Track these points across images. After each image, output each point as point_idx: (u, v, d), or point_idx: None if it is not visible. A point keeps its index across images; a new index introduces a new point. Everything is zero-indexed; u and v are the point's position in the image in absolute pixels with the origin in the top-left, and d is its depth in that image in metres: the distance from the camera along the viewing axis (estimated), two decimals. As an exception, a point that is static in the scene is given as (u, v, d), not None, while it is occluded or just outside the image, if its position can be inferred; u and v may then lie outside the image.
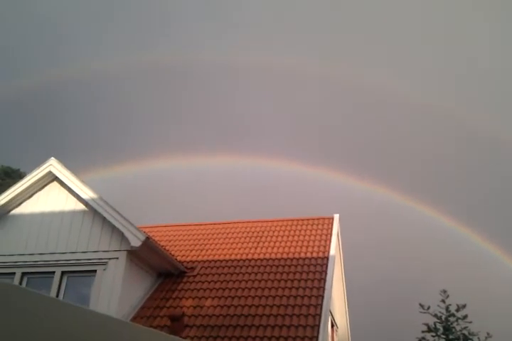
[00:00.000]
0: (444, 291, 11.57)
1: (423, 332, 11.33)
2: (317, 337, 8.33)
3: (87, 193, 9.74)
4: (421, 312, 11.51)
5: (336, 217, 13.67)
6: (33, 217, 9.99)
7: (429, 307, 11.44)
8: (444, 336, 11.19)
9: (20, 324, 0.92)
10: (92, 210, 9.73)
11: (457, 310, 11.26)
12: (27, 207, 10.17)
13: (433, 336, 11.27)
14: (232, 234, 13.44)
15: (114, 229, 9.43)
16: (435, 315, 11.35)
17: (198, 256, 12.07)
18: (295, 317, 9.01)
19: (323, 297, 9.62)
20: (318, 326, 8.65)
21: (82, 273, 9.25)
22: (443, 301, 11.43)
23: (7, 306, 0.93)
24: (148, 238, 9.31)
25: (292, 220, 13.99)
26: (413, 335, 11.52)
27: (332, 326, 12.24)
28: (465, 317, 11.14)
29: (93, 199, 9.65)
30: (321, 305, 9.31)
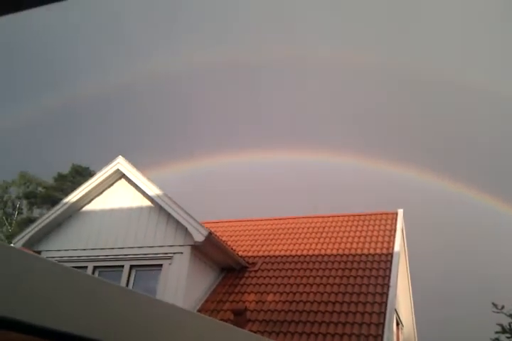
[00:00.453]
0: None
1: (497, 332, 10.73)
2: (382, 336, 8.15)
3: (152, 190, 10.10)
4: (494, 311, 10.90)
5: (400, 212, 13.27)
6: (103, 213, 10.52)
7: (503, 307, 10.81)
8: (519, 338, 10.54)
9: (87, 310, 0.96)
10: (157, 206, 10.09)
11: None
12: (97, 204, 10.73)
13: (508, 337, 10.64)
14: (294, 229, 13.42)
15: (178, 224, 9.73)
16: (510, 315, 10.71)
17: (259, 252, 12.17)
18: (359, 315, 8.87)
19: (387, 294, 9.39)
20: (383, 324, 8.47)
21: (149, 267, 9.63)
22: (518, 300, 10.75)
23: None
24: (210, 233, 9.52)
25: (355, 216, 13.74)
26: (485, 335, 10.95)
27: (397, 324, 11.93)
28: (543, 318, 10.43)
29: (158, 196, 10.00)
30: (386, 302, 9.09)
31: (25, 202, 34.28)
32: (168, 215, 9.88)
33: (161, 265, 9.48)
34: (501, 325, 10.74)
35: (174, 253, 9.52)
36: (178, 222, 9.70)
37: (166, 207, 9.81)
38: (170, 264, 9.40)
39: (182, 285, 9.09)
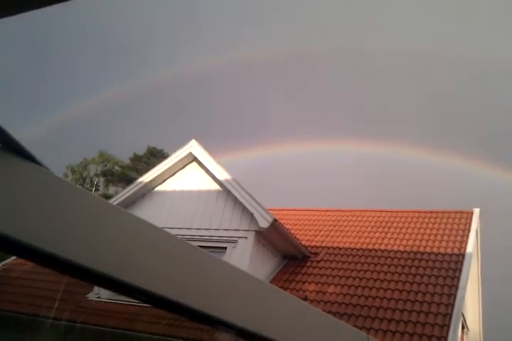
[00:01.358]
0: None
1: None
2: (446, 338, 7.84)
3: (222, 174, 10.31)
4: None
5: (476, 211, 12.56)
6: (174, 194, 10.91)
7: None
8: None
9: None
10: (225, 190, 10.29)
11: None
12: (169, 185, 11.14)
13: None
14: (360, 222, 13.15)
15: (244, 209, 9.87)
16: None
17: (322, 242, 12.07)
18: (423, 314, 8.57)
19: (455, 296, 8.98)
20: (448, 326, 8.13)
21: (214, 249, 9.87)
22: None
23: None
24: (275, 220, 9.57)
25: (426, 212, 13.18)
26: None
27: (462, 328, 11.38)
28: None
29: (227, 180, 10.19)
30: (453, 304, 8.70)
31: (102, 179, 36.39)
32: (235, 200, 10.04)
33: (225, 248, 9.69)
34: None
35: (239, 237, 9.69)
36: (244, 207, 9.84)
37: (234, 192, 9.98)
38: (234, 248, 9.58)
39: (244, 269, 9.24)
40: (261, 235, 9.79)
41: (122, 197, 10.97)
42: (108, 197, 25.32)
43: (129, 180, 25.35)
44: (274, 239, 10.19)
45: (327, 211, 14.22)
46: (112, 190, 35.40)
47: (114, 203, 10.86)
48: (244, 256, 9.38)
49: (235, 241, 9.68)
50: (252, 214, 9.65)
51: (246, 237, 9.63)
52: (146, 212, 10.83)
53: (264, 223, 9.43)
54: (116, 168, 36.79)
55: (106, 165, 37.09)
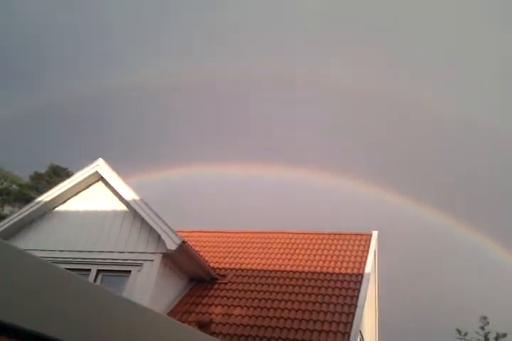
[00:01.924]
0: (484, 318, 11.01)
1: (459, 358, 10.82)
2: (345, 356, 8.16)
3: (129, 194, 10.01)
4: (458, 338, 11.00)
5: (375, 234, 13.40)
6: (76, 214, 10.36)
7: (466, 334, 10.92)
8: (481, 366, 10.64)
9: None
10: (132, 211, 9.99)
11: (496, 339, 10.68)
12: (72, 205, 10.57)
13: (469, 364, 10.74)
14: (268, 243, 13.41)
15: (151, 231, 9.64)
16: (472, 343, 10.82)
17: (230, 264, 12.11)
18: (324, 333, 8.87)
19: (354, 315, 9.42)
20: (347, 344, 8.47)
21: (117, 273, 9.48)
22: (482, 328, 10.88)
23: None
24: (184, 242, 9.45)
25: (330, 234, 13.81)
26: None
27: (361, 345, 11.93)
28: (504, 347, 10.56)
29: (134, 201, 9.91)
30: (352, 323, 9.11)
31: (-3, 198, 33.53)
32: (142, 221, 9.79)
33: (129, 271, 9.34)
34: (463, 352, 10.84)
35: (144, 260, 9.41)
36: (151, 229, 9.61)
37: (141, 213, 9.73)
38: (138, 271, 9.27)
39: (148, 294, 8.96)
40: (168, 257, 9.59)
41: (18, 217, 10.20)
42: (2, 217, 23.33)
43: (27, 200, 23.61)
44: (182, 261, 10.03)
45: (236, 233, 14.34)
46: (7, 210, 32.69)
47: (10, 223, 10.07)
48: (149, 280, 9.11)
49: (140, 265, 9.37)
50: (159, 235, 9.45)
51: (152, 260, 9.37)
52: (45, 234, 10.16)
53: (171, 245, 9.27)
54: (14, 186, 34.14)
55: (2, 184, 34.28)
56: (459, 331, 11.03)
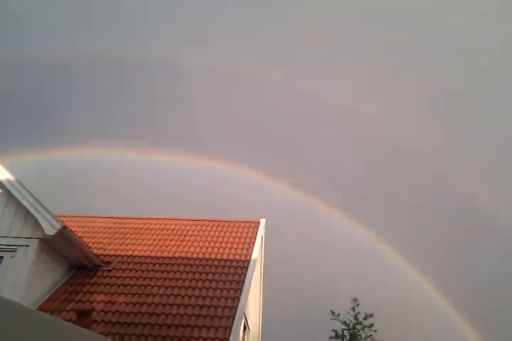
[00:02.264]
0: (355, 300, 12.05)
1: (331, 338, 11.71)
2: (228, 339, 8.33)
3: (3, 174, 9.11)
4: (332, 318, 11.89)
5: (263, 221, 13.83)
6: None
7: (339, 315, 11.85)
8: (350, 343, 11.63)
9: None
10: (6, 193, 9.11)
11: (365, 319, 11.75)
12: None
13: (340, 343, 11.68)
14: (156, 230, 13.16)
15: (28, 214, 8.90)
16: (344, 322, 11.77)
17: (116, 250, 11.67)
18: (209, 318, 8.97)
19: (239, 299, 9.65)
20: (231, 328, 8.66)
21: (-13, 259, 8.63)
22: (353, 309, 11.88)
23: None
24: (64, 227, 8.88)
25: (219, 221, 13.96)
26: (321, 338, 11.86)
27: (244, 329, 12.30)
28: (371, 325, 11.66)
29: (9, 181, 9.05)
30: (236, 307, 9.34)
31: None
32: (18, 204, 8.98)
33: (1, 257, 8.55)
34: (335, 331, 11.76)
35: (19, 245, 8.67)
36: (28, 212, 8.87)
37: (16, 194, 8.92)
38: (12, 257, 8.53)
39: (22, 281, 8.29)
40: (46, 243, 8.94)
41: None
42: None
43: None
44: (62, 247, 9.42)
45: (123, 218, 13.84)
46: None
47: None
48: (24, 267, 8.42)
49: (13, 250, 8.62)
50: (36, 220, 8.76)
51: (27, 245, 8.67)
52: None
53: (50, 230, 8.65)
54: None
55: None
56: (332, 312, 11.94)
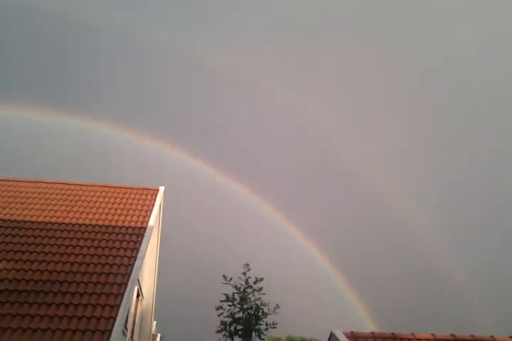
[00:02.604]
0: (247, 265, 12.50)
1: (221, 301, 12.10)
2: (119, 306, 8.26)
3: None
4: (223, 283, 12.26)
5: (161, 189, 13.62)
6: None
7: (231, 279, 12.25)
8: (239, 305, 12.12)
9: None
10: None
11: (255, 283, 12.28)
12: None
13: (229, 305, 12.12)
14: (45, 194, 12.39)
15: None
16: (235, 286, 12.20)
17: (-2, 215, 10.83)
18: (100, 285, 8.79)
19: (132, 266, 9.56)
20: (122, 295, 8.59)
21: None
22: (244, 274, 12.34)
23: None
24: None
25: (115, 187, 13.48)
26: (214, 305, 12.21)
27: (138, 296, 12.28)
28: (260, 289, 12.22)
29: None
30: (129, 274, 9.24)
31: None
32: None
33: None
34: (226, 295, 12.19)
35: None
36: None
37: None
38: None
39: None
40: None
41: None
42: None
43: None
44: None
45: (7, 181, 12.80)
46: None
47: None
48: None
49: None
50: None
51: None
52: None
53: None
54: None
55: None
56: (225, 277, 12.32)
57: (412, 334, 7.44)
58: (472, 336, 7.48)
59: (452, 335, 7.46)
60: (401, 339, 7.30)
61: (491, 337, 7.57)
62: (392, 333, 7.50)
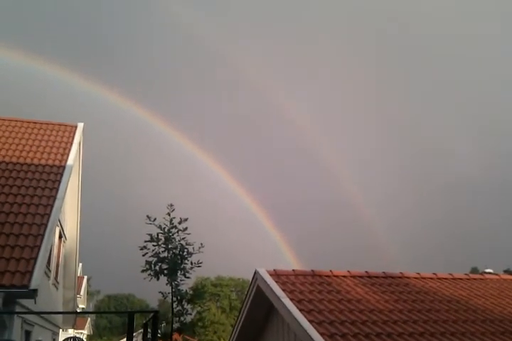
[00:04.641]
0: (171, 205, 12.50)
1: (146, 241, 12.13)
2: (39, 247, 7.95)
3: None
4: (147, 223, 12.23)
5: (80, 125, 12.78)
6: None
7: (155, 219, 12.23)
8: (164, 245, 12.24)
9: None
10: None
11: (179, 223, 12.39)
12: None
13: (154, 245, 12.20)
14: None
15: None
16: (159, 227, 12.23)
17: None
18: (17, 226, 8.35)
19: (52, 206, 9.13)
20: (43, 236, 8.25)
21: None
22: (168, 214, 12.36)
23: None
24: None
25: (29, 122, 12.44)
26: (139, 245, 12.21)
27: (60, 237, 11.89)
28: (185, 229, 12.37)
29: None
30: (49, 214, 8.84)
31: None
32: None
33: None
34: (150, 235, 12.23)
35: None
36: None
37: None
38: None
39: None
40: None
41: None
42: None
43: None
44: None
45: None
46: None
47: None
48: None
49: None
50: None
51: None
52: None
53: None
54: None
55: None
56: (148, 217, 12.28)
57: (331, 271, 8.03)
58: (384, 273, 8.25)
59: (366, 272, 8.16)
60: (320, 275, 7.86)
61: (401, 273, 8.41)
62: (312, 270, 8.03)
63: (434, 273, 8.69)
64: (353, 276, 8.00)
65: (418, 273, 8.53)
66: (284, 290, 6.99)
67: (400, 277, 8.28)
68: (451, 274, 8.82)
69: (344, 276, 8.00)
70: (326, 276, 7.95)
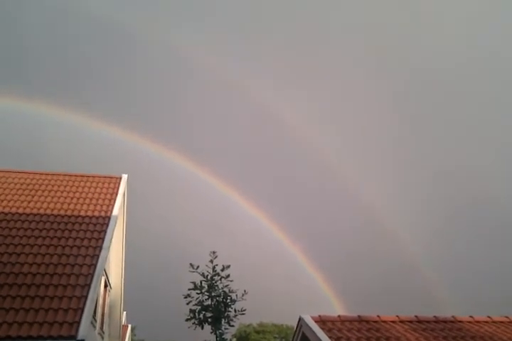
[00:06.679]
0: (214, 252, 12.55)
1: (189, 289, 12.12)
2: (86, 297, 8.13)
3: None
4: (190, 271, 12.26)
5: (124, 177, 13.37)
6: None
7: (198, 267, 12.27)
8: (207, 293, 12.19)
9: None
10: None
11: (222, 270, 12.36)
12: None
13: (198, 293, 12.17)
14: (3, 183, 11.91)
15: None
16: (202, 274, 12.23)
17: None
18: (65, 277, 8.59)
19: (98, 257, 9.38)
20: (89, 286, 8.44)
21: None
22: (211, 261, 12.39)
23: None
24: None
25: (76, 176, 13.13)
26: (182, 293, 12.21)
27: (105, 286, 12.10)
28: (228, 276, 12.31)
29: None
30: (96, 264, 9.08)
31: None
32: None
33: None
34: (194, 283, 12.22)
35: None
36: None
37: None
38: None
39: None
40: None
41: None
42: None
43: None
44: None
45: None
46: None
47: None
48: None
49: None
50: None
51: None
52: None
53: None
54: None
55: None
56: (192, 265, 12.33)
57: (378, 316, 7.73)
58: (435, 317, 7.87)
59: (416, 317, 7.81)
60: (367, 321, 7.58)
61: (453, 316, 7.99)
62: (359, 316, 7.76)
63: (488, 316, 8.20)
64: (402, 321, 7.66)
65: (471, 317, 8.07)
66: (330, 337, 6.78)
67: (452, 321, 7.86)
68: (507, 317, 8.30)
69: (393, 321, 7.67)
70: (374, 322, 7.65)
